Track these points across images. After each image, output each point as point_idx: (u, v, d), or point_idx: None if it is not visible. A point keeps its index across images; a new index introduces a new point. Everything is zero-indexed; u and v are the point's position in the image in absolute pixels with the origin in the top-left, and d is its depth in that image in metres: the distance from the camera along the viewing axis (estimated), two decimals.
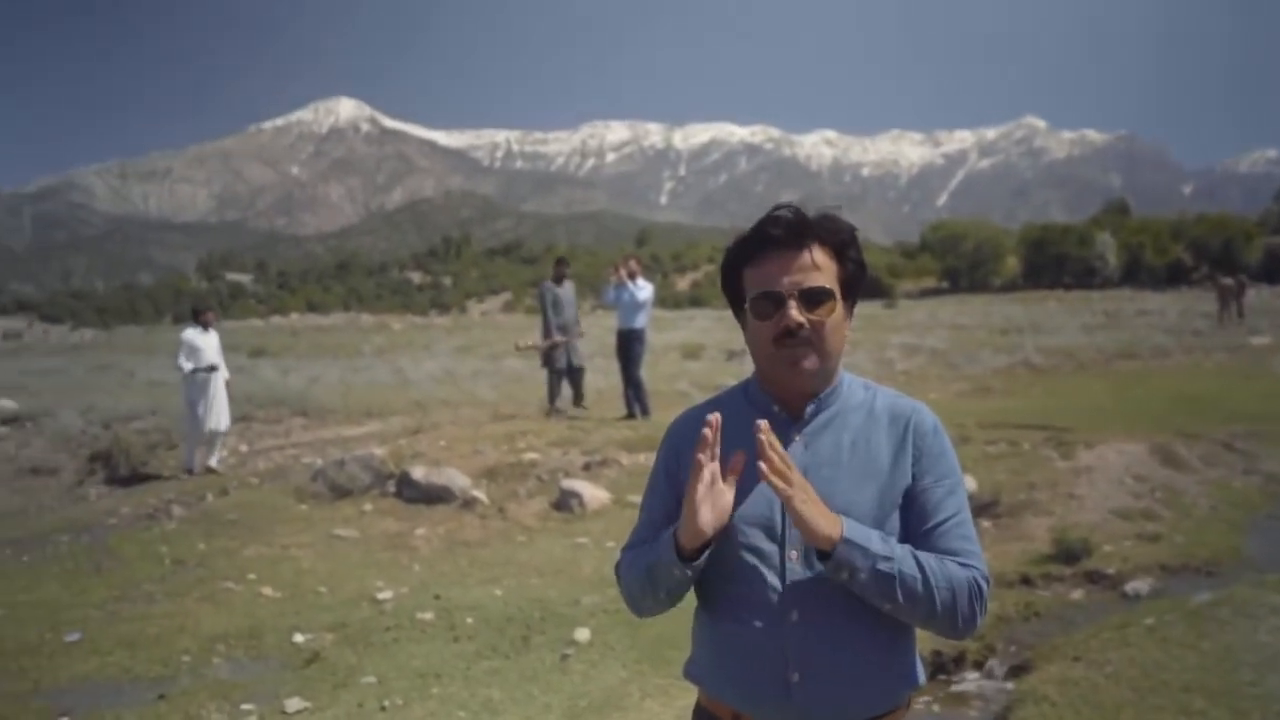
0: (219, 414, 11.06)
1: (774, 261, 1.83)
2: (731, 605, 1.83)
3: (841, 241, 1.86)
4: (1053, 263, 61.78)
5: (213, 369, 11.04)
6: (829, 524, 1.70)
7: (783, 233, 1.82)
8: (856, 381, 1.95)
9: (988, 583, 1.81)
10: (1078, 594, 6.13)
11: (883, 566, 1.71)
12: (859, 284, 1.90)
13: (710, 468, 1.74)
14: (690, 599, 1.94)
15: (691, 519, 1.74)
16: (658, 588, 1.86)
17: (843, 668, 1.77)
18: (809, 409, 1.87)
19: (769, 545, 1.80)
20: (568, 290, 12.61)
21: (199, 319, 11.39)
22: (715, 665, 1.88)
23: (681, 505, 1.87)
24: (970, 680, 4.97)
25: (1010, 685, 4.72)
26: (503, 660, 5.37)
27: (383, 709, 4.77)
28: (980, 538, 5.94)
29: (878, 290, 57.55)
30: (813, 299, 1.80)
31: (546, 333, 12.63)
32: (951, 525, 1.82)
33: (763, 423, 1.72)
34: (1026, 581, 6.34)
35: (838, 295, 1.84)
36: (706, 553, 1.79)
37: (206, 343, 11.16)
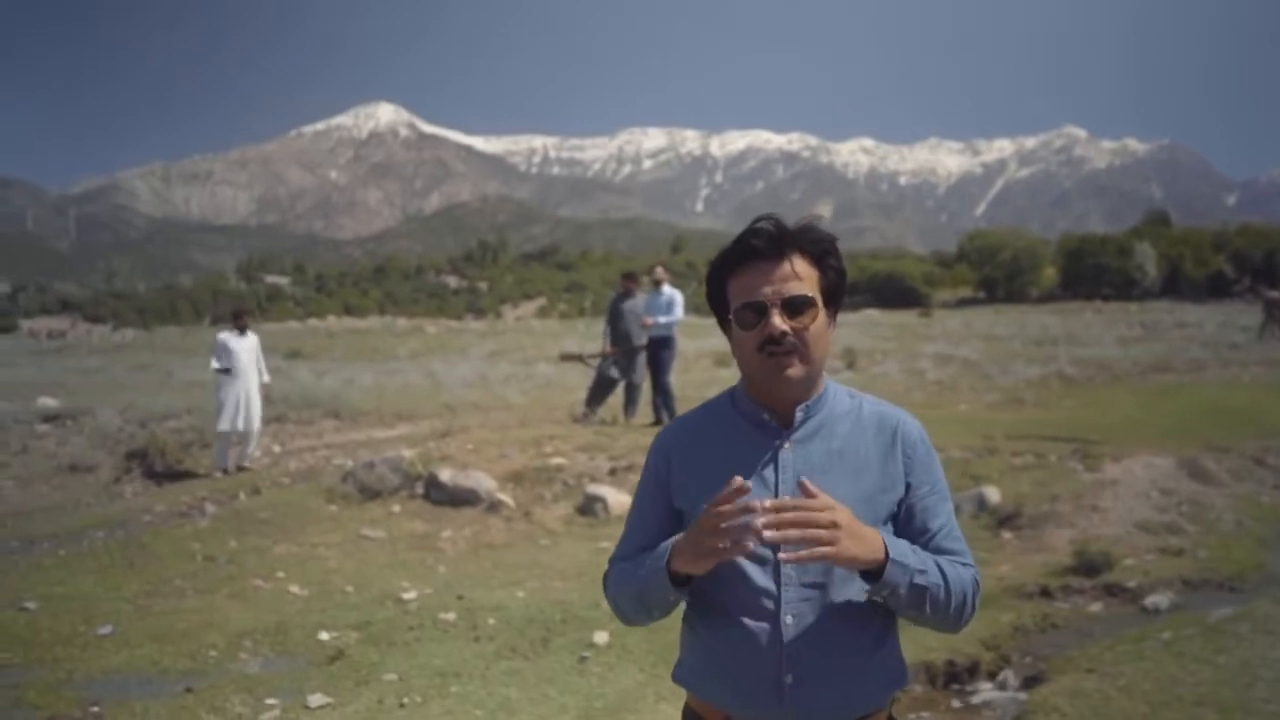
0: (250, 414, 11.23)
1: (756, 272, 1.87)
2: (725, 610, 1.86)
3: (822, 250, 1.91)
4: (1091, 273, 61.11)
5: (226, 371, 11.21)
6: (870, 548, 1.73)
7: (763, 244, 1.87)
8: (841, 389, 2.00)
9: (980, 578, 1.91)
10: (1096, 607, 6.11)
11: (919, 580, 1.78)
12: (840, 292, 1.95)
13: (718, 521, 1.71)
14: (680, 606, 1.98)
15: (693, 558, 1.76)
16: (650, 609, 1.92)
17: (835, 669, 1.82)
18: (798, 416, 1.91)
19: (763, 550, 1.82)
20: (633, 304, 12.58)
21: (236, 321, 11.64)
22: (707, 669, 1.92)
23: (672, 511, 1.95)
24: (984, 690, 4.98)
25: (1023, 696, 4.72)
26: (522, 661, 5.45)
27: (402, 706, 4.86)
28: (1001, 549, 5.93)
29: (914, 299, 57.29)
30: (795, 307, 1.85)
31: (605, 344, 12.79)
32: (946, 530, 1.91)
33: (806, 484, 1.73)
34: (1045, 593, 6.32)
35: (819, 303, 1.88)
36: (692, 583, 1.85)
37: (240, 345, 11.35)
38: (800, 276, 1.87)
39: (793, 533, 1.67)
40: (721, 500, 1.70)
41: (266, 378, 11.73)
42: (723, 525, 1.69)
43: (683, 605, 1.98)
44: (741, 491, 1.69)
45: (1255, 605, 5.46)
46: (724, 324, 1.97)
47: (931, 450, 1.97)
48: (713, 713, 1.91)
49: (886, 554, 1.74)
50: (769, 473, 1.87)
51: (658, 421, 12.15)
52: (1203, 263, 59.44)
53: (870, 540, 1.73)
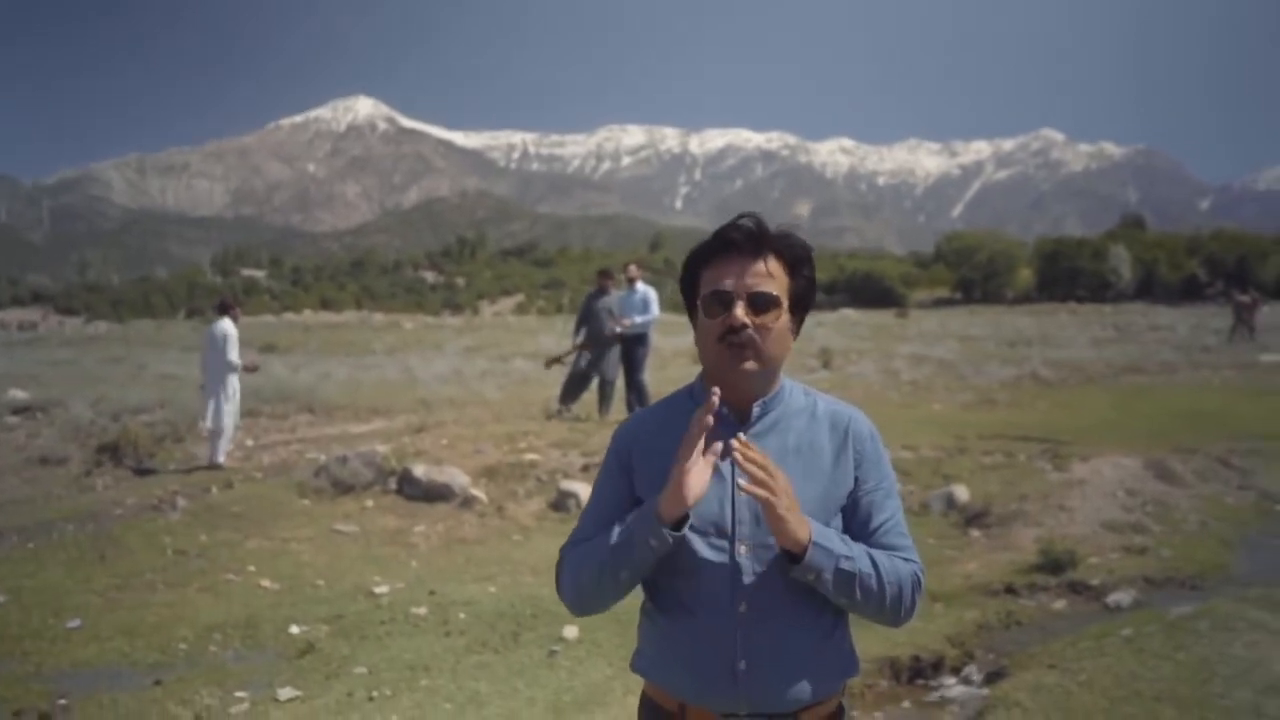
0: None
1: (730, 265, 1.92)
2: (681, 599, 1.92)
3: (796, 257, 1.96)
4: (1066, 276, 61.64)
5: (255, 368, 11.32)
6: (801, 528, 1.81)
7: (742, 238, 1.92)
8: (797, 387, 2.05)
9: (924, 574, 1.96)
10: (1060, 604, 6.20)
11: (845, 566, 1.84)
12: (808, 302, 2.00)
13: (694, 450, 1.81)
14: (632, 598, 2.02)
15: (679, 486, 1.81)
16: (620, 567, 1.89)
17: (788, 656, 1.88)
18: (755, 410, 1.96)
19: (719, 540, 1.89)
20: (607, 301, 12.57)
21: (232, 313, 11.46)
22: (664, 657, 1.96)
23: (635, 497, 1.99)
24: (948, 686, 5.05)
25: (985, 691, 4.80)
26: (492, 655, 5.48)
27: (371, 699, 4.88)
28: (969, 546, 6.00)
29: (890, 299, 57.58)
30: (760, 303, 1.90)
31: (574, 341, 12.80)
32: (891, 525, 1.97)
33: (741, 435, 1.83)
34: (1011, 590, 6.41)
35: (784, 305, 1.93)
36: (688, 524, 1.86)
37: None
38: (771, 276, 1.92)
39: (753, 468, 1.77)
40: (704, 410, 1.81)
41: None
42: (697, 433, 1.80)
43: (641, 597, 2.02)
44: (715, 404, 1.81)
45: (1215, 603, 5.55)
46: (692, 313, 2.01)
47: (881, 447, 2.03)
48: (668, 699, 1.95)
49: (811, 538, 1.81)
50: (724, 466, 1.90)
51: None
52: (1177, 266, 60.09)
53: (800, 518, 1.81)
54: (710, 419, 1.81)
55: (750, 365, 1.91)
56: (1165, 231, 75.19)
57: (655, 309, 12.47)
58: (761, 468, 1.78)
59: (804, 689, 1.90)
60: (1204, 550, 7.23)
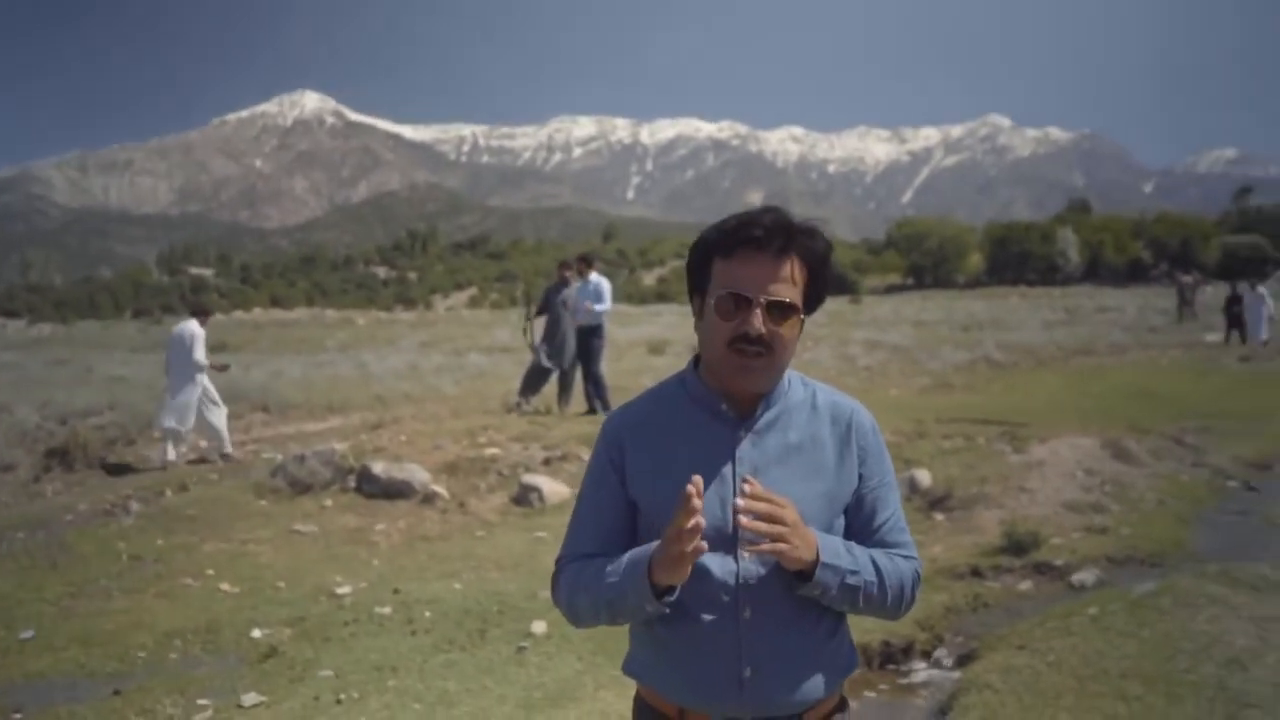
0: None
1: (751, 264, 1.81)
2: (682, 605, 1.83)
3: (817, 258, 1.86)
4: (1016, 260, 62.53)
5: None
6: (808, 551, 1.75)
7: (764, 235, 1.80)
8: (795, 377, 1.96)
9: (921, 569, 1.94)
10: (1026, 585, 6.26)
11: (851, 580, 1.79)
12: (819, 301, 1.91)
13: (697, 519, 1.66)
14: None
15: (677, 563, 1.70)
16: (617, 618, 1.85)
17: (793, 660, 1.83)
18: (758, 407, 1.89)
19: (721, 544, 1.81)
20: (567, 293, 12.49)
21: (201, 318, 11.54)
22: (662, 662, 1.89)
23: (627, 501, 1.91)
24: (919, 669, 5.08)
25: (956, 674, 4.82)
26: (459, 653, 5.41)
27: (339, 702, 4.80)
28: (933, 530, 6.04)
29: (843, 286, 57.96)
30: (779, 312, 1.80)
31: (531, 337, 12.74)
32: (893, 522, 1.93)
33: (747, 488, 1.72)
34: (976, 573, 6.46)
35: (801, 311, 1.85)
36: (678, 589, 1.78)
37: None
38: (793, 282, 1.83)
39: (762, 525, 1.69)
40: (683, 515, 1.65)
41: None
42: (689, 527, 1.65)
43: None
44: (697, 494, 1.65)
45: (1176, 580, 5.63)
46: (696, 296, 1.92)
47: (882, 441, 1.98)
48: (666, 705, 1.90)
49: (818, 556, 1.76)
50: (726, 466, 1.84)
51: (592, 411, 12.14)
52: (1122, 249, 61.17)
53: (809, 541, 1.75)
54: (698, 511, 1.65)
55: (761, 373, 1.83)
56: (1110, 215, 76.39)
57: (608, 300, 12.44)
58: (769, 515, 1.69)
59: (809, 690, 1.85)
60: (1162, 528, 7.34)
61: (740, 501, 1.70)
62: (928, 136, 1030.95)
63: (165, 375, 11.43)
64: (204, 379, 11.17)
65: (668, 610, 1.79)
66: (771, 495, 1.72)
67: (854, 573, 1.79)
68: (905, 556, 1.90)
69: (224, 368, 12.19)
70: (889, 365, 18.88)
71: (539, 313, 12.72)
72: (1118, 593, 5.60)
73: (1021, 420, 10.73)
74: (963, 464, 9.00)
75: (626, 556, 1.82)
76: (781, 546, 1.69)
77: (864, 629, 5.32)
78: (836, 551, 1.79)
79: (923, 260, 67.40)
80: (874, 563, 1.84)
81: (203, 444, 11.95)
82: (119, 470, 10.90)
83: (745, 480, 1.74)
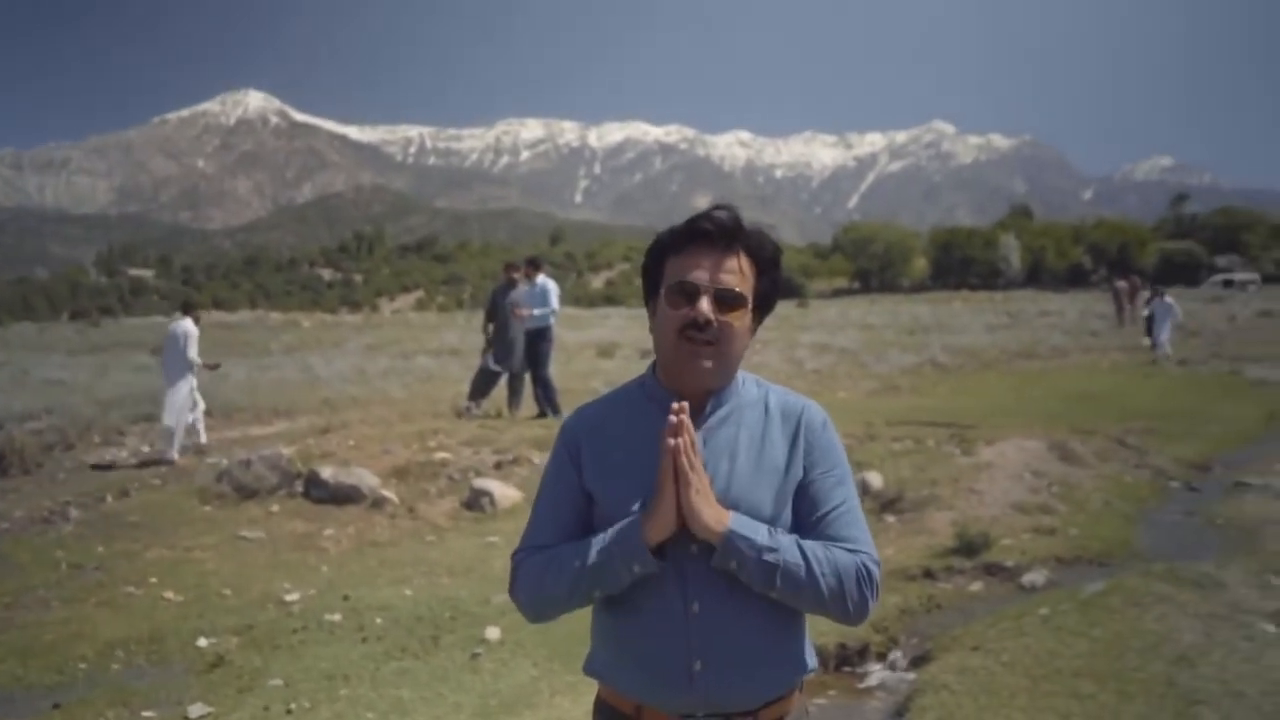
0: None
1: (699, 256, 1.87)
2: (633, 599, 1.86)
3: (766, 258, 1.92)
4: (959, 264, 63.45)
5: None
6: (716, 517, 1.78)
7: (714, 230, 1.87)
8: (750, 378, 2.01)
9: (877, 566, 1.87)
10: (977, 586, 6.31)
11: (768, 558, 1.78)
12: (770, 303, 1.96)
13: (682, 464, 1.76)
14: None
15: (666, 509, 1.77)
16: (595, 587, 1.85)
17: (742, 655, 1.83)
18: (708, 405, 1.92)
19: (671, 539, 1.83)
20: (514, 295, 12.40)
21: (193, 314, 11.87)
22: (618, 659, 1.91)
23: (584, 495, 1.93)
24: (874, 671, 5.09)
25: (912, 675, 4.84)
26: (412, 660, 5.33)
27: (289, 712, 4.70)
28: (885, 532, 6.03)
29: (791, 290, 58.41)
30: (726, 300, 1.85)
31: (485, 333, 12.64)
32: (840, 513, 1.90)
33: (683, 404, 1.78)
34: (929, 574, 6.50)
35: (749, 304, 1.89)
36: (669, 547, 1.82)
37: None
38: (741, 273, 1.88)
39: (681, 451, 1.75)
40: (666, 459, 1.77)
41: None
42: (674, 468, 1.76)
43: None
44: (674, 433, 1.76)
45: (1123, 579, 5.71)
46: (651, 297, 1.97)
47: (834, 438, 1.98)
48: (624, 702, 1.91)
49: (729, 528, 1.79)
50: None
51: (542, 414, 12.07)
52: (1063, 254, 62.31)
53: (718, 509, 1.79)
54: (686, 439, 1.76)
55: (708, 363, 1.87)
56: (1051, 221, 77.80)
57: (555, 301, 12.41)
58: (691, 444, 1.76)
59: (761, 687, 1.86)
60: (1108, 528, 7.45)
61: (671, 418, 1.76)
62: (873, 142, 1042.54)
63: (162, 373, 11.68)
64: (192, 377, 11.37)
65: (639, 569, 1.81)
66: (693, 445, 1.78)
67: (771, 549, 1.78)
68: (849, 550, 1.85)
69: (215, 366, 12.48)
70: (837, 368, 19.03)
71: (488, 317, 12.62)
72: (1068, 593, 5.66)
73: (969, 422, 10.86)
74: (913, 466, 9.07)
75: (611, 528, 1.85)
76: (686, 469, 1.75)
77: (819, 631, 5.32)
78: (753, 528, 1.80)
79: (869, 264, 68.14)
80: (801, 548, 1.81)
81: (145, 448, 11.70)
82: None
83: (674, 407, 1.78)
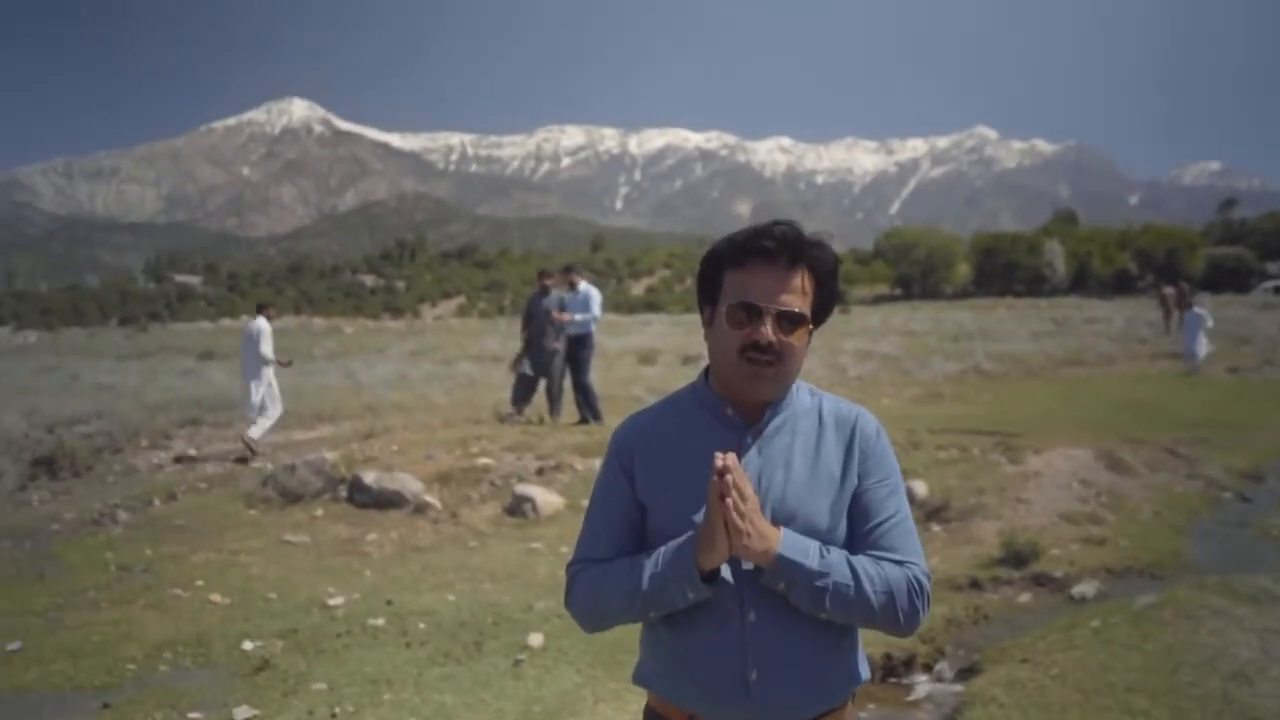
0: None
1: (762, 274, 1.85)
2: (689, 609, 1.85)
3: (825, 271, 1.91)
4: (1003, 270, 62.70)
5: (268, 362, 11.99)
6: (766, 544, 1.75)
7: (776, 247, 1.85)
8: (803, 386, 1.99)
9: (928, 578, 1.86)
10: (1026, 597, 6.22)
11: (818, 583, 1.76)
12: (827, 313, 1.95)
13: (731, 498, 1.73)
14: None
15: (717, 537, 1.74)
16: (650, 609, 1.84)
17: (798, 665, 1.82)
18: (765, 414, 1.91)
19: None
20: (546, 301, 12.44)
21: (267, 313, 12.40)
22: (671, 669, 1.90)
23: (638, 506, 1.92)
24: (920, 683, 5.02)
25: (959, 688, 4.77)
26: (455, 666, 5.34)
27: (333, 716, 4.71)
28: (931, 541, 5.96)
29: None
30: (789, 321, 1.84)
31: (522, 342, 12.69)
32: (891, 525, 1.88)
33: (727, 457, 1.74)
34: (975, 585, 6.42)
35: (809, 322, 1.89)
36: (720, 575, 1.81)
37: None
38: (803, 292, 1.87)
39: (728, 502, 1.71)
40: (714, 494, 1.72)
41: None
42: (722, 503, 1.71)
43: None
44: (723, 471, 1.71)
45: (1176, 591, 5.60)
46: (705, 309, 1.96)
47: (887, 446, 1.97)
48: (677, 713, 1.90)
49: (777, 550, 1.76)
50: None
51: (584, 420, 12.08)
52: (1109, 260, 61.40)
53: (766, 533, 1.75)
54: (735, 476, 1.72)
55: (770, 382, 1.87)
56: (1097, 226, 76.74)
57: (597, 309, 12.41)
58: (736, 485, 1.71)
59: (816, 697, 1.85)
60: (1159, 539, 7.32)
61: (718, 461, 1.71)
62: (915, 148, 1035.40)
63: (241, 370, 12.32)
64: (270, 373, 11.89)
65: (693, 596, 1.79)
66: (743, 479, 1.74)
67: (821, 574, 1.76)
68: (898, 562, 1.83)
69: (288, 363, 13.01)
70: (880, 375, 18.89)
71: (525, 322, 12.64)
72: (1119, 605, 5.56)
73: (1015, 431, 10.71)
74: (959, 474, 8.97)
75: (663, 548, 1.84)
76: (730, 509, 1.70)
77: (864, 640, 5.27)
78: (804, 551, 1.78)
79: (910, 270, 67.53)
80: (851, 566, 1.79)
81: (192, 452, 11.87)
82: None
83: (723, 456, 1.75)
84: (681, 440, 1.90)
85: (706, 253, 1.95)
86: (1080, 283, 60.50)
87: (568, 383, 12.58)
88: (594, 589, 1.91)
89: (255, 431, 11.41)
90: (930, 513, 8.05)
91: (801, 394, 1.97)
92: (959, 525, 7.73)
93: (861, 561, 1.81)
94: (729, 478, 1.71)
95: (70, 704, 5.03)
